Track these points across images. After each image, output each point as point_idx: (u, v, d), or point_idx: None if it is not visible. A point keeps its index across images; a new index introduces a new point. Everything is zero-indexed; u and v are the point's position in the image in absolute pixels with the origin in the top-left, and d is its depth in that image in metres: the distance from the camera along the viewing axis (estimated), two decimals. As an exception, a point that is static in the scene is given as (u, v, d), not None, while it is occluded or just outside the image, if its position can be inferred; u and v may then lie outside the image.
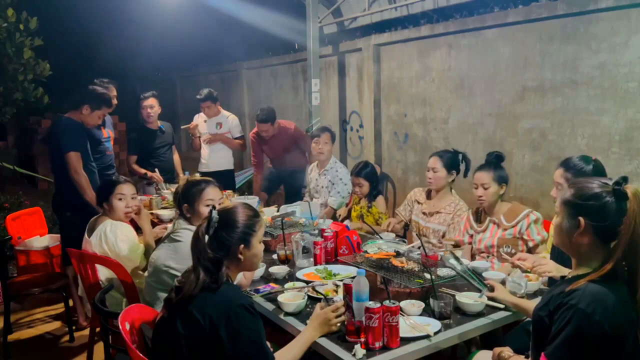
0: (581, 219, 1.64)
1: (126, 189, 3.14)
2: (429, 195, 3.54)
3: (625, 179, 1.63)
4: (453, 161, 3.44)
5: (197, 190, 2.66)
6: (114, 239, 2.94)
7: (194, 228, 2.53)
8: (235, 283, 2.39)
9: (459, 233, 3.23)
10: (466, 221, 3.23)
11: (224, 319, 1.73)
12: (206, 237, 1.87)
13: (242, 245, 1.90)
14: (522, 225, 2.91)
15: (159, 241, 3.10)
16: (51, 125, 4.09)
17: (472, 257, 3.26)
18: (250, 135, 5.37)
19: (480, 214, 3.14)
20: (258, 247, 1.97)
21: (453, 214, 3.36)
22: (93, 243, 2.95)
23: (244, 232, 1.92)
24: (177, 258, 2.47)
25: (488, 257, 3.03)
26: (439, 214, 3.41)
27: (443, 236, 3.34)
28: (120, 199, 3.09)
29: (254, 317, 1.79)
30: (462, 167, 3.48)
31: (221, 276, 1.82)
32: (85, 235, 3.07)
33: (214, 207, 1.98)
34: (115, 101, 4.42)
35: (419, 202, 3.58)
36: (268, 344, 2.18)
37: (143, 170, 5.03)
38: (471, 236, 3.17)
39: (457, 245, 3.21)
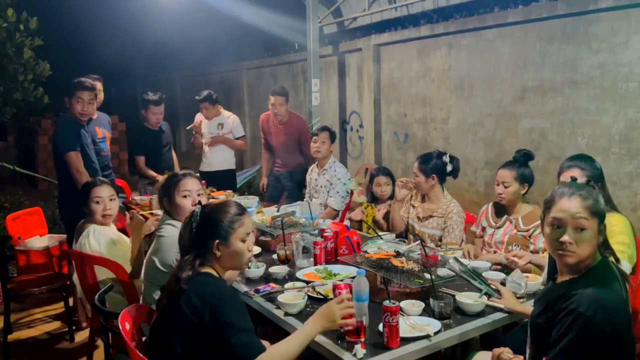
0: (603, 225, 1.68)
1: (103, 191, 3.08)
2: (423, 198, 3.52)
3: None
4: (434, 166, 3.35)
5: (174, 181, 2.67)
6: (97, 245, 2.92)
7: (175, 222, 2.56)
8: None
9: (477, 224, 3.23)
10: (483, 213, 3.21)
11: (209, 309, 1.73)
12: (191, 231, 1.91)
13: (217, 241, 1.89)
14: (534, 231, 2.91)
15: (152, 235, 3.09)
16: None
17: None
18: (260, 120, 5.40)
19: (500, 209, 3.13)
20: (238, 245, 1.93)
21: (445, 217, 3.33)
22: (80, 249, 2.94)
23: (221, 228, 1.91)
24: (161, 253, 2.49)
25: (495, 252, 3.03)
26: (432, 217, 3.38)
27: (440, 240, 3.33)
28: (97, 202, 3.05)
29: (239, 305, 1.78)
30: (451, 168, 3.40)
31: (196, 266, 1.85)
32: (74, 242, 3.06)
33: (199, 203, 2.00)
34: (101, 95, 4.36)
35: (413, 206, 3.56)
36: (267, 343, 2.18)
37: (154, 174, 4.87)
38: (484, 228, 3.17)
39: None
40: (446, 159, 3.38)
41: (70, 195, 3.81)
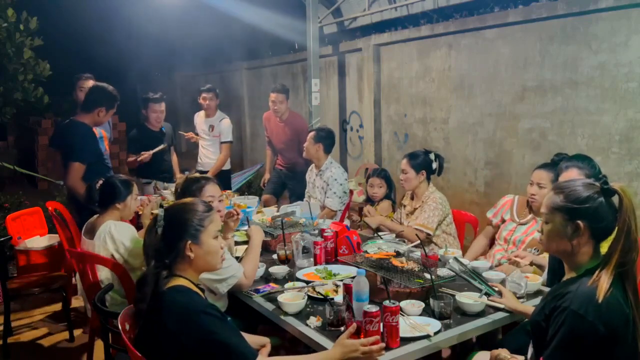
0: (580, 222, 1.64)
1: (137, 189, 3.22)
2: (412, 197, 3.65)
3: (605, 177, 1.69)
4: (422, 162, 3.50)
5: (197, 187, 2.73)
6: (121, 238, 2.92)
7: None
8: (234, 282, 2.40)
9: (496, 213, 3.23)
10: (507, 203, 3.20)
11: (185, 330, 1.66)
12: (156, 237, 1.82)
13: (188, 241, 1.81)
14: None
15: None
16: (63, 128, 4.01)
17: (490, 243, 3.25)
18: (263, 117, 5.48)
19: (527, 207, 3.10)
20: (211, 243, 1.87)
21: (422, 204, 3.47)
22: (96, 244, 2.93)
23: (192, 227, 1.83)
24: None
25: (511, 252, 2.99)
26: (417, 210, 3.54)
27: (428, 235, 3.38)
28: (134, 199, 3.14)
29: (218, 319, 1.71)
30: (436, 165, 3.53)
31: (162, 279, 1.76)
32: (83, 237, 3.06)
33: (161, 205, 1.91)
34: None
35: (404, 205, 3.68)
36: (262, 338, 2.17)
37: (134, 158, 4.93)
38: (504, 220, 3.15)
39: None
40: (432, 156, 3.54)
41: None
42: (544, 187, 2.90)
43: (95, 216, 3.10)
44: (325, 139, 4.33)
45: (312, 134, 4.34)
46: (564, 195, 1.68)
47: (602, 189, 1.65)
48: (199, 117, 5.66)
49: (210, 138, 5.53)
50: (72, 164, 3.73)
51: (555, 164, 2.97)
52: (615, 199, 1.65)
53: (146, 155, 4.86)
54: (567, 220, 1.66)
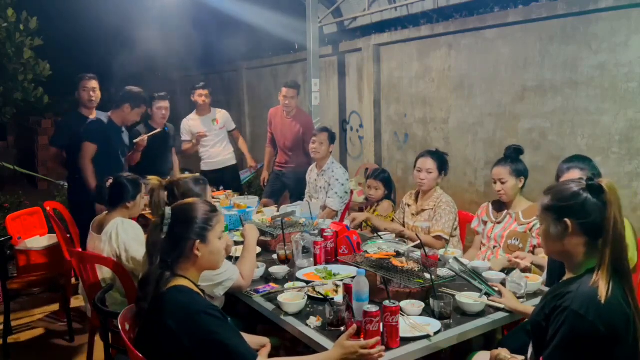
0: (567, 220, 1.64)
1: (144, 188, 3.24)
2: (417, 197, 3.59)
3: (596, 175, 1.72)
4: (444, 162, 3.49)
5: (201, 188, 2.70)
6: (126, 237, 2.92)
7: None
8: (230, 285, 2.39)
9: (478, 221, 3.28)
10: (483, 210, 3.27)
11: (186, 329, 1.66)
12: (161, 235, 1.81)
13: (198, 241, 1.82)
14: (535, 224, 2.93)
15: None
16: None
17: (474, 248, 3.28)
18: (269, 114, 5.49)
19: (500, 205, 3.17)
20: (216, 243, 1.89)
21: (435, 207, 3.42)
22: (103, 239, 2.93)
23: (200, 227, 1.84)
24: None
25: (494, 247, 3.05)
26: (424, 211, 3.48)
27: (429, 233, 3.37)
28: (142, 197, 3.16)
29: (219, 319, 1.72)
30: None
31: (164, 279, 1.77)
32: (92, 232, 3.06)
33: (167, 204, 1.93)
34: (99, 94, 4.47)
35: (408, 205, 3.64)
36: (262, 338, 2.17)
37: (132, 152, 4.76)
38: (485, 222, 3.20)
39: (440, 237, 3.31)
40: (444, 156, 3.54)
41: (83, 194, 3.95)
42: (505, 182, 3.03)
43: (104, 213, 3.12)
44: (334, 138, 4.40)
45: (324, 134, 4.32)
46: (551, 195, 1.71)
47: (587, 185, 1.65)
48: (193, 120, 5.61)
49: (219, 132, 5.55)
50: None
51: (507, 157, 3.09)
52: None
53: (143, 138, 4.70)
54: (556, 220, 1.67)
